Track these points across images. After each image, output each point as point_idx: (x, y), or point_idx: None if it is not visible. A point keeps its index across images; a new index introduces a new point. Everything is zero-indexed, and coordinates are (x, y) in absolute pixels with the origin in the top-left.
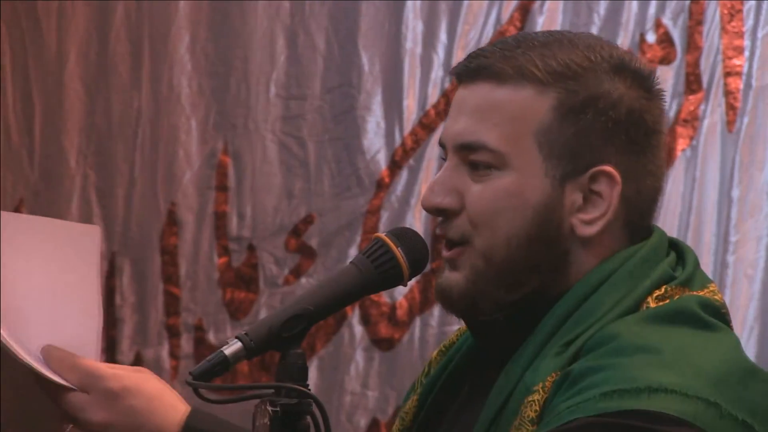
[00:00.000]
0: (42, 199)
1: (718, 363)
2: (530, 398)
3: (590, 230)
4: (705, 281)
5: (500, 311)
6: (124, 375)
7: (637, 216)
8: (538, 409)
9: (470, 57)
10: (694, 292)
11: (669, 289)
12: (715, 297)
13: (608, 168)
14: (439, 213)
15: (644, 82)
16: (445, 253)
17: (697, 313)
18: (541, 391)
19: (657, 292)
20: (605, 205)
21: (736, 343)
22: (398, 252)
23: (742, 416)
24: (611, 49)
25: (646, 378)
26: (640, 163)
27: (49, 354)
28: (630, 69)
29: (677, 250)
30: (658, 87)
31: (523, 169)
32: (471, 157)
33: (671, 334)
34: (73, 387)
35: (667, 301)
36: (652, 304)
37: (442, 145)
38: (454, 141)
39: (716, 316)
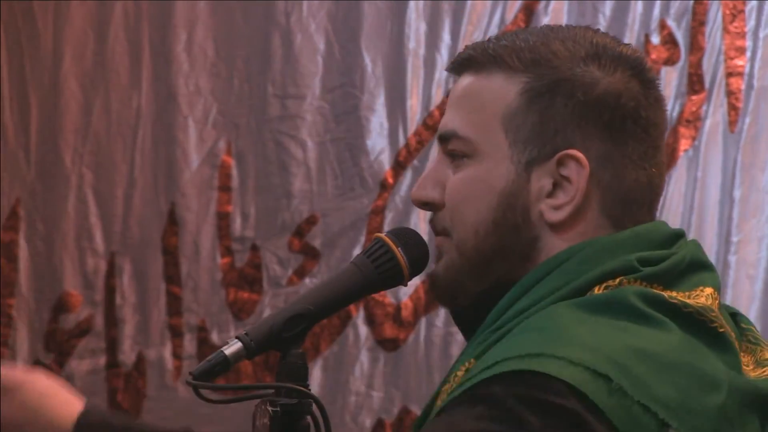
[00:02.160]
0: (38, 198)
1: (626, 349)
2: (444, 388)
3: (558, 216)
4: (698, 284)
5: (473, 300)
6: (13, 372)
7: (617, 204)
8: (446, 398)
9: (460, 52)
10: (667, 291)
11: (625, 281)
12: (688, 300)
13: (574, 152)
14: (425, 206)
15: (629, 68)
16: (435, 242)
17: (631, 304)
18: (452, 380)
19: (609, 283)
20: (573, 189)
21: (674, 341)
22: (398, 252)
23: (640, 398)
24: (595, 38)
25: (529, 347)
26: (618, 150)
27: None
28: (610, 54)
29: (680, 247)
30: (647, 74)
31: (491, 156)
32: (448, 147)
33: (586, 319)
34: None
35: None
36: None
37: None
38: (438, 133)
39: (665, 312)
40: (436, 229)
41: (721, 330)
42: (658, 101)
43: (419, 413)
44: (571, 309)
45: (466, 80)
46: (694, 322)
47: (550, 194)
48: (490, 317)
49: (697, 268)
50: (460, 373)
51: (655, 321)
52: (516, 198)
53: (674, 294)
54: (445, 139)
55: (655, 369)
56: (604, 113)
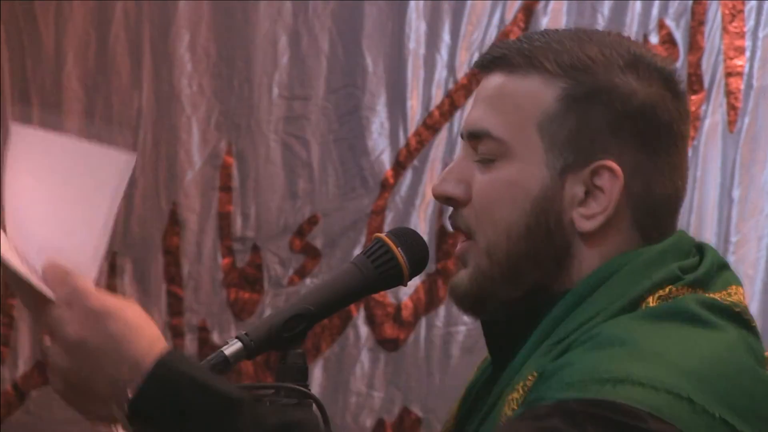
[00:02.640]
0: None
1: (702, 359)
2: (511, 396)
3: (590, 225)
4: (727, 283)
5: (505, 309)
6: (108, 298)
7: (648, 216)
8: (515, 407)
9: (490, 48)
10: (708, 294)
11: (674, 289)
12: (730, 299)
13: (610, 162)
14: (447, 202)
15: (663, 80)
16: (456, 249)
17: (693, 311)
18: (521, 389)
19: (660, 293)
20: (606, 200)
21: (735, 341)
22: (398, 252)
23: (719, 413)
24: (632, 46)
25: (613, 369)
26: (651, 161)
27: (46, 266)
28: (646, 65)
29: (702, 253)
30: (678, 86)
31: (525, 159)
32: (478, 147)
33: (657, 330)
34: (54, 299)
35: (669, 301)
36: (652, 304)
37: (461, 135)
38: (465, 129)
39: (721, 314)
40: (458, 226)
41: (753, 325)
42: (688, 114)
43: (419, 413)
44: (640, 321)
45: (499, 79)
46: (742, 321)
47: (582, 202)
48: (544, 329)
49: (722, 268)
50: (528, 383)
51: (716, 324)
52: (550, 203)
53: (716, 296)
54: (475, 137)
55: (726, 375)
56: (639, 124)
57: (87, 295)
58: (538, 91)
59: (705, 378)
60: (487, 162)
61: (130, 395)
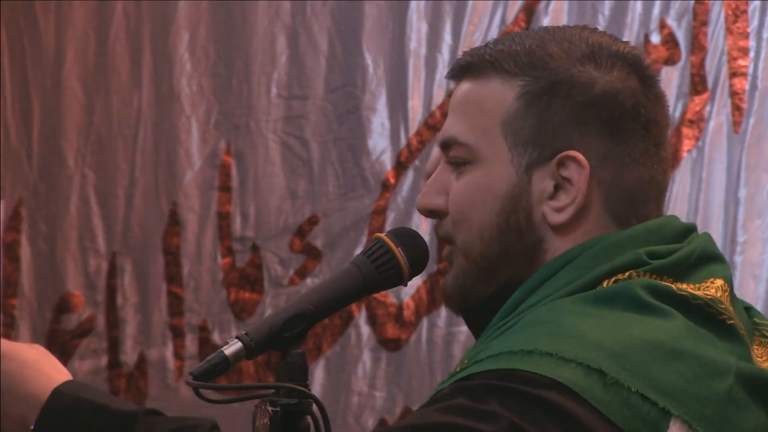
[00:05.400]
0: (41, 198)
1: (628, 339)
2: (449, 380)
3: (560, 218)
4: (708, 276)
5: (485, 303)
6: (5, 343)
7: (621, 203)
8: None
9: (459, 58)
10: (677, 284)
11: (634, 274)
12: (695, 291)
13: (574, 153)
14: (430, 214)
15: (626, 66)
16: (443, 254)
17: (637, 296)
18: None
19: (619, 276)
20: (574, 191)
21: (677, 329)
22: (398, 252)
23: (637, 388)
24: (592, 37)
25: (523, 343)
26: (619, 148)
27: None
28: (607, 53)
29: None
30: (645, 71)
31: (492, 161)
32: (450, 154)
33: (588, 313)
34: None
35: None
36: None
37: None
38: (438, 140)
39: (671, 302)
40: (440, 235)
41: (730, 322)
42: (658, 98)
43: None
44: (576, 303)
45: (465, 86)
46: (702, 313)
47: (552, 196)
48: (498, 316)
49: (707, 260)
50: (458, 369)
51: (660, 311)
52: (518, 201)
53: (683, 286)
54: (446, 146)
55: (658, 357)
56: (602, 112)
57: None
58: (499, 93)
59: (625, 355)
60: (459, 168)
61: (32, 428)
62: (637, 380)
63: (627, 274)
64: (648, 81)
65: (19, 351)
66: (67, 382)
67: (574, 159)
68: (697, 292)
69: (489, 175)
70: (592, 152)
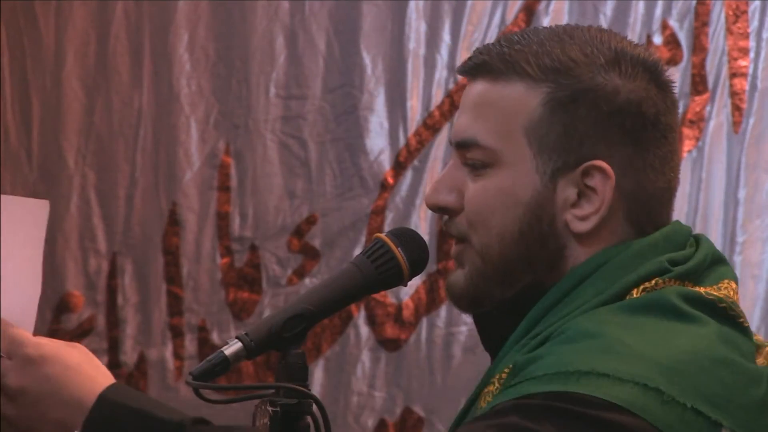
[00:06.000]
0: (41, 198)
1: (675, 352)
2: (486, 389)
3: (584, 226)
4: (720, 277)
5: (500, 306)
6: (44, 344)
7: (642, 211)
8: (490, 399)
9: (473, 54)
10: (697, 288)
11: (660, 282)
12: (718, 293)
13: (600, 162)
14: (440, 211)
15: (647, 73)
16: (452, 251)
17: (672, 304)
18: (496, 382)
19: (646, 285)
20: (599, 200)
21: (714, 335)
22: (398, 252)
23: (692, 403)
24: (612, 41)
25: (577, 363)
26: (641, 157)
27: None
28: (630, 60)
29: (698, 245)
30: (663, 77)
31: (515, 166)
32: (467, 155)
33: (630, 323)
34: None
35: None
36: (636, 296)
37: (450, 142)
38: (454, 138)
39: (703, 309)
40: (452, 234)
41: (746, 325)
42: (674, 105)
43: (421, 413)
44: (614, 313)
45: (482, 86)
46: (727, 316)
47: (575, 204)
48: (526, 324)
49: (717, 262)
50: (504, 375)
51: (694, 318)
52: (542, 208)
53: (709, 290)
54: (463, 147)
55: (703, 368)
56: (626, 121)
57: (22, 343)
58: (523, 98)
59: (676, 369)
60: (477, 169)
61: None
62: (690, 395)
63: (653, 282)
64: (665, 87)
65: (63, 353)
66: (111, 387)
67: (599, 169)
68: (719, 294)
69: (512, 181)
70: (616, 161)
